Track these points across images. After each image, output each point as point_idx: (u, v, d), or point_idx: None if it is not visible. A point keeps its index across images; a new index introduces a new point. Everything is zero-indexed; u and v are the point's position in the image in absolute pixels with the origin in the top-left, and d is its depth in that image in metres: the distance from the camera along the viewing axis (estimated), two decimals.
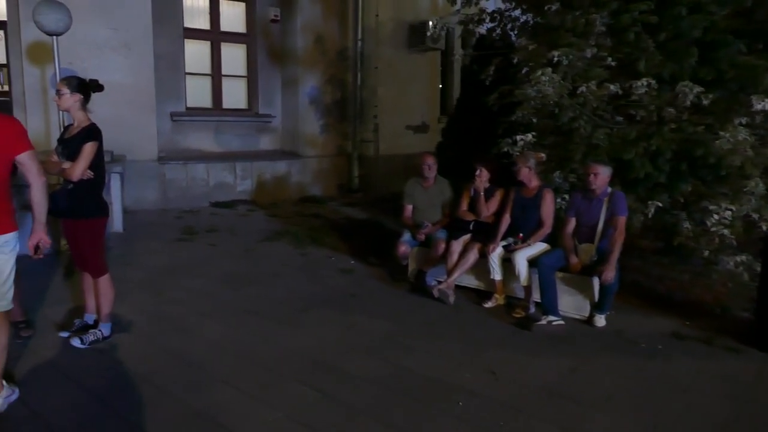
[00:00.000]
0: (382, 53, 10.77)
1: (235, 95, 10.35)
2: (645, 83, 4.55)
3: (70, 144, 3.75)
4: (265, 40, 10.36)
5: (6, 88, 9.17)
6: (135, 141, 8.33)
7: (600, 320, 4.55)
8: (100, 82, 3.96)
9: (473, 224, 5.24)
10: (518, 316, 4.73)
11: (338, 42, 10.65)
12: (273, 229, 7.76)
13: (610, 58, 5.06)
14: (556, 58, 4.93)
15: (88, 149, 3.70)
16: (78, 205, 3.78)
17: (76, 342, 3.88)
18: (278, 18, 10.25)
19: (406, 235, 5.52)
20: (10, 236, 3.02)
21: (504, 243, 4.96)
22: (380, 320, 4.62)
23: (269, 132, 10.62)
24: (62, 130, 3.97)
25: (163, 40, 9.03)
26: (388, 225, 8.21)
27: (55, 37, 6.57)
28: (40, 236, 3.14)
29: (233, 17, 10.21)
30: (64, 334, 4.01)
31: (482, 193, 5.21)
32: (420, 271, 5.43)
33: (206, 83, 10.07)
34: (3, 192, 2.98)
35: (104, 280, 4.00)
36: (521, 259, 4.73)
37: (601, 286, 4.45)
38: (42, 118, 8.07)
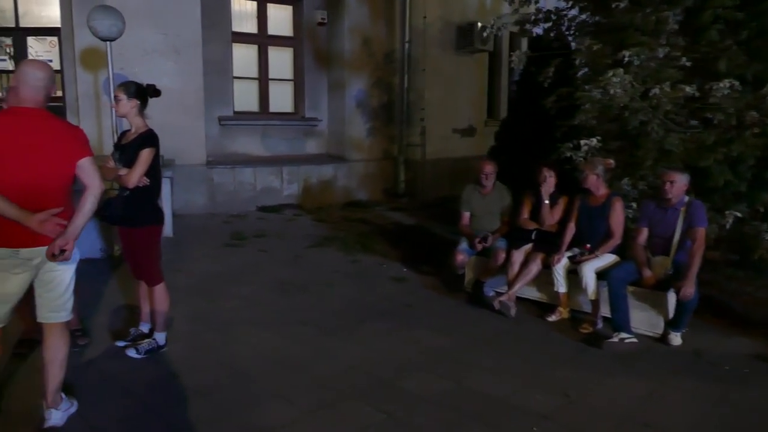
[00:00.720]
0: (429, 55, 10.58)
1: (281, 99, 10.31)
2: (727, 84, 4.23)
3: (126, 150, 3.67)
4: (312, 43, 10.28)
5: (60, 93, 9.33)
6: (184, 145, 8.33)
7: (675, 339, 4.25)
8: (147, 85, 3.88)
9: (535, 233, 4.99)
10: (585, 331, 4.46)
11: (385, 44, 10.50)
12: (321, 234, 7.65)
13: (684, 58, 4.76)
14: (627, 59, 4.65)
15: (145, 155, 3.62)
16: (133, 213, 3.70)
17: (131, 352, 3.81)
18: (325, 21, 10.17)
19: (463, 244, 5.30)
20: None
21: (569, 254, 4.70)
22: (439, 333, 4.43)
23: (315, 136, 10.54)
24: (118, 135, 3.90)
25: (212, 44, 9.03)
26: (438, 231, 8.01)
27: (108, 42, 6.59)
28: (70, 242, 2.81)
29: (280, 21, 10.18)
30: (120, 344, 3.94)
31: (547, 201, 4.96)
32: (477, 281, 5.21)
33: (253, 87, 10.05)
34: (65, 199, 2.90)
35: (159, 289, 3.92)
36: (589, 272, 4.46)
37: (678, 302, 4.15)
38: (95, 123, 8.14)
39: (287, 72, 10.35)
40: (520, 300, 4.91)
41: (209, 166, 8.93)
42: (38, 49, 9.49)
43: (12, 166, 2.72)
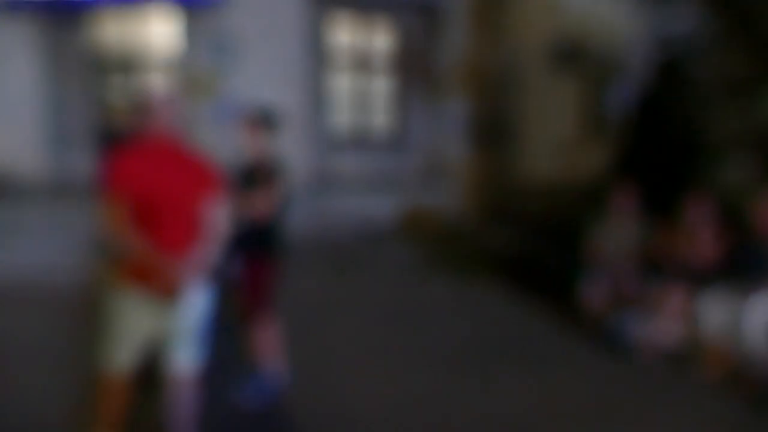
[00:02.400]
0: (531, 74, 10.13)
1: (382, 121, 10.20)
2: None
3: (254, 179, 3.55)
4: (412, 66, 10.13)
5: None
6: (288, 169, 8.34)
7: None
8: (275, 113, 3.79)
9: (683, 268, 4.45)
10: (750, 388, 3.84)
11: (487, 64, 10.18)
12: (426, 260, 7.37)
13: None
14: None
15: (274, 185, 3.49)
16: (261, 244, 3.56)
17: (247, 399, 3.62)
18: (425, 43, 10.00)
19: (595, 276, 4.83)
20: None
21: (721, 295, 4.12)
22: (577, 379, 3.98)
23: (414, 158, 10.33)
24: (243, 164, 3.78)
25: (317, 70, 9.08)
26: (549, 258, 7.52)
27: (222, 71, 6.68)
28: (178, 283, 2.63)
29: (381, 45, 10.12)
30: (235, 391, 3.75)
31: (698, 232, 4.42)
32: (610, 317, 4.72)
33: (354, 111, 10.02)
34: (190, 237, 2.75)
35: (273, 326, 3.74)
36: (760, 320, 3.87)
37: None
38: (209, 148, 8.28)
39: (387, 95, 10.24)
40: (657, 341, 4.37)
41: (311, 190, 8.90)
42: (153, 78, 9.87)
43: (148, 200, 2.60)
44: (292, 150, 8.48)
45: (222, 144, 6.70)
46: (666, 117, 6.22)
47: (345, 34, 9.84)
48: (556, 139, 10.83)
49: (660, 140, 6.20)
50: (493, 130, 10.37)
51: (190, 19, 8.47)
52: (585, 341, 4.70)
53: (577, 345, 4.65)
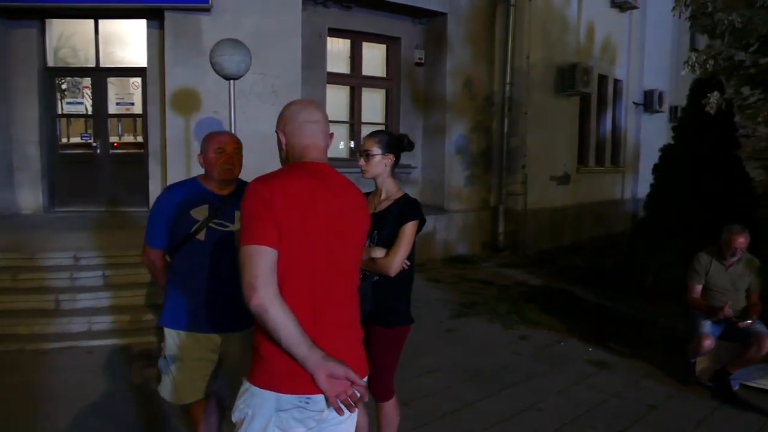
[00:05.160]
0: (531, 98, 9.72)
1: None
2: None
3: (380, 222, 2.66)
4: (408, 85, 9.46)
5: (140, 139, 8.49)
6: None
7: None
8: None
9: None
10: None
11: (486, 86, 9.69)
12: (453, 299, 6.65)
13: None
14: None
15: (410, 231, 2.63)
16: (386, 307, 2.70)
17: None
18: (423, 61, 9.37)
19: (707, 326, 4.25)
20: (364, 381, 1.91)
21: None
22: None
23: (410, 184, 9.57)
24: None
25: (308, 86, 8.21)
26: (581, 294, 7.02)
27: (232, 81, 5.74)
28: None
29: (375, 60, 9.39)
30: None
31: None
32: (723, 371, 4.16)
33: (344, 131, 9.22)
34: (355, 309, 1.91)
35: (391, 405, 2.90)
36: None
37: None
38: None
39: (380, 115, 9.51)
40: None
41: None
42: (118, 91, 8.70)
43: (306, 252, 1.70)
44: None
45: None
46: (712, 143, 5.87)
47: (339, 46, 9.06)
48: (557, 166, 10.45)
49: (697, 165, 5.84)
50: (492, 156, 9.87)
51: (172, 23, 7.43)
52: (702, 399, 4.12)
53: (701, 406, 4.02)
